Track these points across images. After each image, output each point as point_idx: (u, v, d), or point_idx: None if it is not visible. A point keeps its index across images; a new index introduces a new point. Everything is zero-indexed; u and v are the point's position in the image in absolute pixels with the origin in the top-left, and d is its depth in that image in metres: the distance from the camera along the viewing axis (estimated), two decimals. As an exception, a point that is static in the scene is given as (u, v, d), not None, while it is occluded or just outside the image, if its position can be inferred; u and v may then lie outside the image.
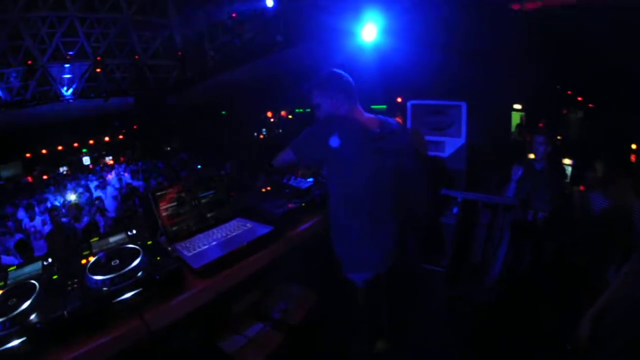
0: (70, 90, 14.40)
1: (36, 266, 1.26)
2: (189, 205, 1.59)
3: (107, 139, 20.74)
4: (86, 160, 19.04)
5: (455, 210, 2.88)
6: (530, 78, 6.73)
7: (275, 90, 12.33)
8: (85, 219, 5.91)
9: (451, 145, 3.09)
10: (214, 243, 1.44)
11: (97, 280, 1.10)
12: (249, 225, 1.60)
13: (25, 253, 4.61)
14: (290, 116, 18.34)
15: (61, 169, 17.42)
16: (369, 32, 5.34)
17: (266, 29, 10.77)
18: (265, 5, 10.03)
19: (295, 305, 1.78)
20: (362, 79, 1.73)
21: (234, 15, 12.14)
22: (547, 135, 3.08)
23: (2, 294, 1.09)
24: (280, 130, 19.11)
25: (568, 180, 4.34)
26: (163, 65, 17.29)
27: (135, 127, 20.19)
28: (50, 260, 1.27)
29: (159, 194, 1.52)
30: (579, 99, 10.82)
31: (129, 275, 1.11)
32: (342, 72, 1.73)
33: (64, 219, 6.11)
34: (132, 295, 1.09)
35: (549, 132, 3.43)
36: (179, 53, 16.34)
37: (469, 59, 5.37)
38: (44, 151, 17.81)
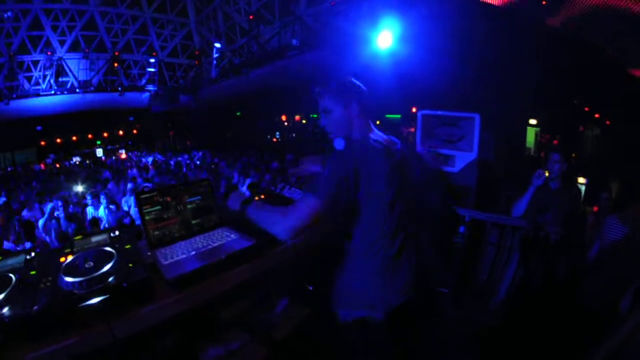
0: (87, 83, 14.69)
1: (19, 259, 1.24)
2: (173, 210, 1.51)
3: (121, 132, 21.15)
4: (99, 152, 19.42)
5: (462, 229, 2.74)
6: (547, 92, 6.54)
7: (290, 94, 12.32)
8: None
9: (462, 159, 2.94)
10: (193, 253, 1.37)
11: (67, 282, 1.06)
12: (232, 236, 1.51)
13: (31, 235, 4.62)
14: (304, 121, 18.37)
15: (74, 159, 17.84)
16: (385, 38, 5.28)
17: (283, 32, 10.82)
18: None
19: (283, 320, 1.69)
20: (377, 86, 1.55)
21: (251, 17, 12.23)
22: (563, 153, 2.92)
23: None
24: (294, 135, 19.13)
25: (582, 199, 4.15)
26: (180, 64, 17.54)
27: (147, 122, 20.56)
28: (32, 254, 1.25)
29: (143, 196, 1.45)
30: (597, 115, 10.52)
31: (98, 280, 1.06)
32: (365, 88, 1.56)
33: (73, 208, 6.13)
34: (100, 300, 1.04)
35: (565, 149, 3.25)
36: (197, 52, 16.55)
37: (485, 70, 5.24)
38: (58, 140, 18.19)
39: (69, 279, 1.06)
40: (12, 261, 1.24)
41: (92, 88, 14.81)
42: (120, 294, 1.06)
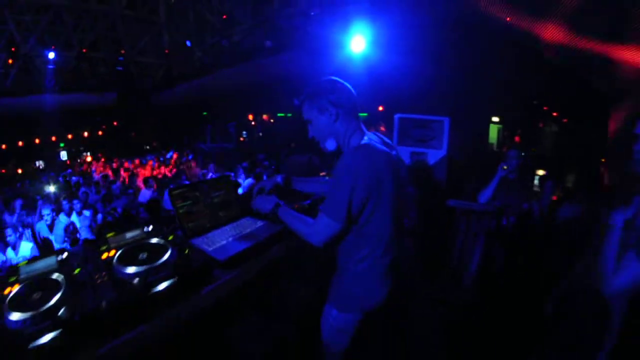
0: (52, 82, 13.97)
1: (50, 261, 1.22)
2: (202, 204, 1.70)
3: (86, 134, 20.30)
4: (63, 155, 18.54)
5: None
6: (510, 93, 7.10)
7: (260, 94, 12.39)
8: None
9: (433, 156, 3.33)
10: (231, 239, 1.57)
11: (129, 272, 1.14)
12: (259, 223, 1.73)
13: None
14: (272, 120, 18.41)
15: (37, 163, 16.93)
16: (358, 43, 5.56)
17: (256, 33, 10.87)
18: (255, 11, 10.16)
19: (297, 303, 1.93)
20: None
21: (224, 17, 12.19)
22: (519, 150, 3.35)
23: (23, 287, 1.06)
24: (261, 134, 19.15)
25: (538, 188, 4.66)
26: (149, 63, 17.07)
27: (115, 123, 19.86)
28: (65, 255, 1.25)
29: (176, 192, 1.62)
30: (555, 114, 11.42)
31: (162, 267, 1.17)
32: (340, 81, 1.44)
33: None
34: (167, 286, 1.15)
35: (521, 146, 3.70)
36: (166, 51, 16.19)
37: (453, 73, 5.64)
38: (20, 143, 17.25)
39: (130, 270, 1.15)
40: (42, 264, 1.21)
41: (57, 87, 14.12)
42: (186, 277, 1.22)
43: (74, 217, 5.68)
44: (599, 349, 1.33)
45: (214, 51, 13.89)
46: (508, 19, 4.98)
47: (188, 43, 14.70)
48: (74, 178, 11.12)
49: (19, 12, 12.80)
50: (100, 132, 20.75)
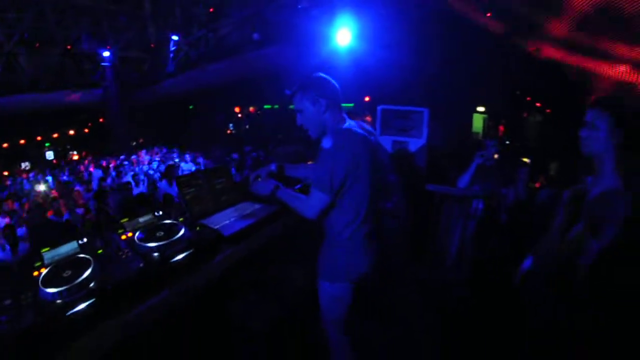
0: (37, 80, 13.71)
1: (72, 245, 1.37)
2: (206, 190, 1.91)
3: (72, 132, 20.02)
4: (50, 154, 18.27)
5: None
6: (494, 84, 7.31)
7: (247, 87, 12.44)
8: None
9: (413, 144, 3.53)
10: (233, 219, 1.78)
11: (151, 246, 1.34)
12: (257, 206, 1.94)
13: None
14: (258, 112, 18.44)
15: (23, 165, 16.66)
16: (344, 36, 5.66)
17: (243, 26, 10.87)
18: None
19: (287, 281, 2.13)
20: (336, 80, 1.71)
21: (211, 10, 12.12)
22: (497, 140, 3.53)
23: (53, 268, 1.20)
24: (248, 127, 19.19)
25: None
26: (134, 58, 16.84)
27: (102, 120, 19.64)
28: (85, 239, 1.40)
29: (182, 179, 1.83)
30: (538, 104, 11.75)
31: (178, 242, 1.38)
32: (327, 77, 1.66)
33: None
34: (184, 256, 1.37)
35: (506, 136, 3.88)
36: (152, 46, 15.99)
37: (437, 65, 5.81)
38: (4, 145, 16.96)
39: (152, 244, 1.35)
40: (65, 249, 1.35)
41: (42, 85, 13.85)
42: (200, 249, 1.44)
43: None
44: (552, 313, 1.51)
45: (201, 45, 13.82)
46: (488, 14, 5.14)
47: (175, 37, 14.54)
48: (63, 177, 11.06)
49: (1, 10, 12.52)
50: (86, 130, 20.52)
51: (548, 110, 11.82)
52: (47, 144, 18.93)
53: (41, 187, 7.76)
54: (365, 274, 1.67)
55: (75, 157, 17.70)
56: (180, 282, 1.30)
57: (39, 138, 18.42)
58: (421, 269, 3.29)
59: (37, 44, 13.36)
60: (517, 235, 3.03)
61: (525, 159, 7.25)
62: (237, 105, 17.63)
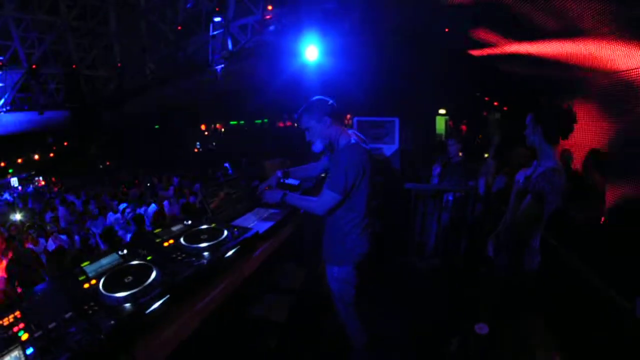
0: (1, 101, 13.06)
1: (113, 257, 1.49)
2: (225, 199, 2.21)
3: (36, 157, 19.28)
4: (14, 181, 17.51)
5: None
6: (454, 87, 7.92)
7: (214, 103, 12.56)
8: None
9: (388, 150, 4.01)
10: (255, 222, 2.08)
11: (202, 247, 1.54)
12: (271, 210, 2.26)
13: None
14: (222, 129, 18.40)
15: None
16: (311, 52, 5.99)
17: (212, 44, 11.05)
18: (213, 20, 10.36)
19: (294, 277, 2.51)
20: (306, 94, 2.07)
21: (179, 28, 12.22)
22: (456, 138, 3.99)
23: (109, 276, 1.31)
24: (214, 144, 19.18)
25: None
26: (100, 77, 16.52)
27: (66, 143, 19.07)
28: (125, 250, 1.54)
29: (207, 191, 2.15)
30: (495, 103, 12.65)
31: (225, 241, 1.62)
32: (326, 98, 1.98)
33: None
34: (233, 252, 1.61)
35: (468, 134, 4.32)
36: (119, 64, 15.80)
37: (401, 76, 6.28)
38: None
39: (202, 245, 1.55)
40: (106, 260, 1.47)
41: (7, 107, 13.29)
42: (245, 245, 1.71)
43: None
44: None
45: (167, 63, 13.82)
46: (446, 29, 5.65)
47: (143, 54, 14.46)
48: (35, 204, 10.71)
49: None
50: (51, 155, 19.80)
51: (505, 108, 12.77)
52: (10, 170, 18.12)
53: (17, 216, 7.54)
54: (366, 255, 2.04)
55: (42, 183, 17.05)
56: (232, 274, 1.59)
57: (2, 164, 17.61)
58: (406, 257, 3.79)
59: (0, 62, 12.79)
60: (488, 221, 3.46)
61: (486, 154, 7.88)
62: (203, 123, 17.60)
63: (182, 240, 1.60)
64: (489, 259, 2.26)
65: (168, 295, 1.25)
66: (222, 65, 10.43)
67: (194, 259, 1.47)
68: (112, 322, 1.08)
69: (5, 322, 1.11)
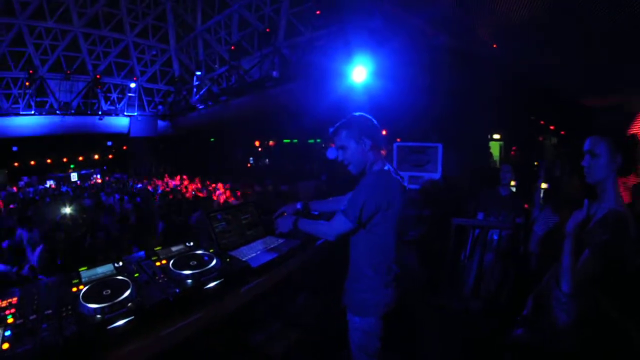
0: (67, 105, 14.59)
1: (108, 268, 1.51)
2: (233, 225, 2.05)
3: (96, 157, 20.90)
4: (74, 176, 19.03)
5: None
6: (507, 111, 7.46)
7: (266, 121, 12.84)
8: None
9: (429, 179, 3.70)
10: (259, 252, 1.89)
11: (186, 274, 1.46)
12: (280, 240, 2.04)
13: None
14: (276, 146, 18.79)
15: (48, 183, 17.22)
16: (359, 73, 5.93)
17: (263, 64, 11.42)
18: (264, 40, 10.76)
19: (306, 310, 2.28)
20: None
21: (232, 48, 12.82)
22: (512, 164, 3.61)
23: (93, 286, 1.32)
24: (267, 161, 19.55)
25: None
26: (159, 90, 17.80)
27: (125, 147, 20.50)
28: (120, 263, 1.55)
29: (211, 214, 1.97)
30: (552, 127, 11.80)
31: (210, 271, 1.51)
32: (370, 117, 1.72)
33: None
34: (215, 285, 1.48)
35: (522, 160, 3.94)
36: (176, 79, 16.91)
37: (449, 98, 6.01)
38: (32, 162, 17.67)
39: (186, 272, 1.47)
40: (101, 270, 1.49)
41: (72, 111, 14.63)
42: (230, 278, 1.57)
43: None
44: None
45: (222, 80, 14.54)
46: (494, 45, 5.37)
47: (199, 72, 15.36)
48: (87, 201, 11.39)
49: (37, 36, 13.39)
50: (110, 156, 21.43)
51: (562, 132, 11.86)
52: (72, 166, 19.69)
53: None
54: (391, 306, 1.74)
55: (99, 181, 18.38)
56: (210, 307, 1.43)
57: (65, 159, 19.19)
58: (439, 298, 3.39)
59: (68, 71, 14.29)
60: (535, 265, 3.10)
61: (544, 184, 7.25)
62: (257, 139, 18.06)
63: (171, 263, 1.54)
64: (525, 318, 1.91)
65: (133, 317, 1.23)
66: (273, 86, 10.69)
67: (172, 284, 1.41)
68: (75, 329, 1.12)
69: (4, 303, 1.25)
